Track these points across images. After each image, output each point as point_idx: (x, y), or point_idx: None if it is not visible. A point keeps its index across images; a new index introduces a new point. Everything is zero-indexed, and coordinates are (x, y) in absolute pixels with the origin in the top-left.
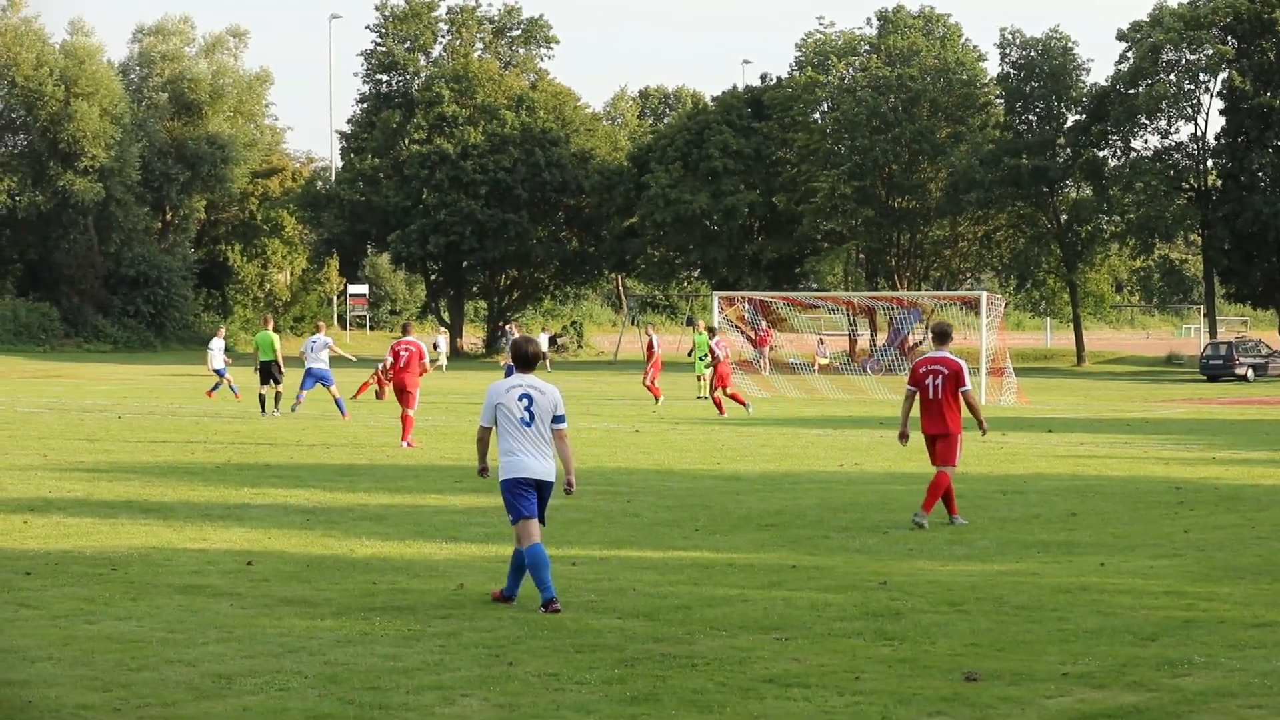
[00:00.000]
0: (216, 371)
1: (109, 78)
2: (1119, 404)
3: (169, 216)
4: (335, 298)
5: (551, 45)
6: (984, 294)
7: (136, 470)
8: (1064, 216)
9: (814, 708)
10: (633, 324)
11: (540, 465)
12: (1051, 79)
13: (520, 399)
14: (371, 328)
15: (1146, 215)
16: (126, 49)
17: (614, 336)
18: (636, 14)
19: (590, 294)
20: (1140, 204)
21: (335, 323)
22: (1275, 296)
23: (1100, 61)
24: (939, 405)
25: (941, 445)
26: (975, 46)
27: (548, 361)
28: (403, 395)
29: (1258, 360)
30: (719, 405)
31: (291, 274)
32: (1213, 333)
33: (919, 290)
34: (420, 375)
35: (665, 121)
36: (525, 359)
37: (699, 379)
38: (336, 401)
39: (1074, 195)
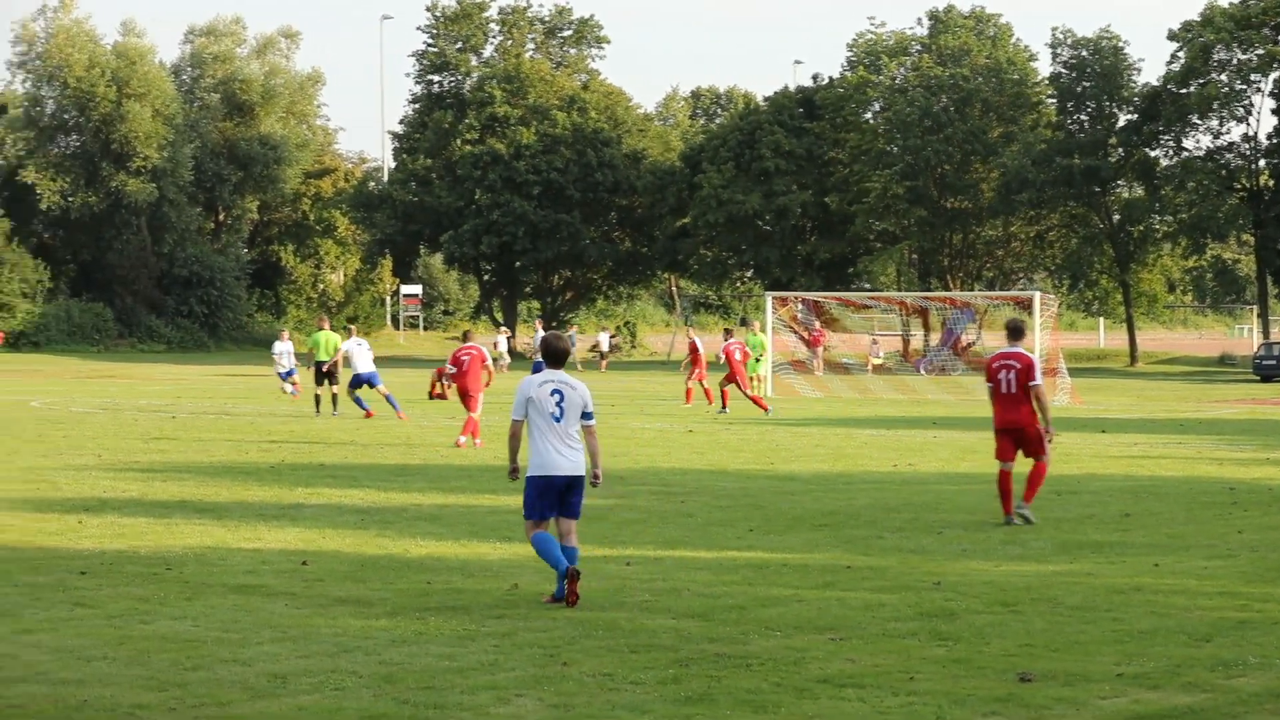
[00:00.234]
0: (283, 375)
1: (161, 78)
2: (1172, 404)
3: (222, 217)
4: (388, 298)
5: (603, 45)
6: (1037, 294)
7: (191, 470)
8: (1116, 216)
9: (868, 708)
10: (685, 324)
11: (568, 462)
12: (1103, 79)
13: (552, 394)
14: (425, 328)
15: (1198, 215)
16: (178, 50)
17: (667, 337)
18: (688, 14)
19: (643, 294)
20: (1192, 204)
21: (389, 323)
22: None
23: (1151, 61)
24: (1013, 399)
25: (1026, 440)
26: (1026, 46)
27: (604, 362)
28: (466, 399)
29: None
30: (758, 403)
31: (344, 274)
32: (1266, 333)
33: (972, 290)
34: (485, 379)
35: (717, 122)
36: (555, 355)
37: (752, 379)
38: (388, 399)
39: (1126, 195)
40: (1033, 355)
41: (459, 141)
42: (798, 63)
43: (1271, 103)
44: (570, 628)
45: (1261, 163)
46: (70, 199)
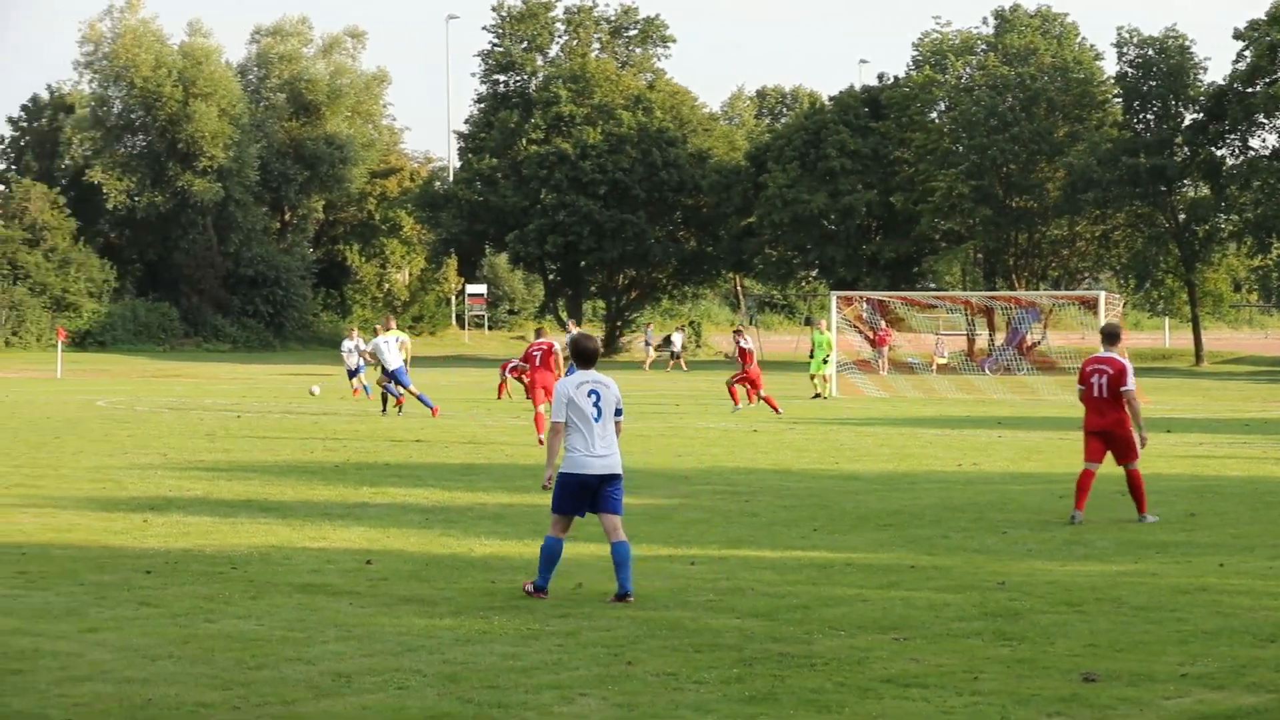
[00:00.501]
0: (351, 373)
1: (227, 78)
2: (1238, 404)
3: (287, 216)
4: (454, 297)
5: (668, 45)
6: (1102, 294)
7: (256, 469)
8: (1181, 216)
9: (932, 708)
10: (751, 324)
11: (601, 462)
12: (1169, 78)
13: (589, 395)
14: (490, 328)
15: (1264, 214)
16: (244, 50)
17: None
18: (753, 14)
19: (708, 294)
20: (1258, 203)
21: (454, 322)
22: None
23: (1217, 60)
24: (1104, 403)
25: (1116, 443)
26: (1092, 45)
27: (682, 362)
28: (537, 392)
29: None
30: (770, 402)
31: (410, 274)
32: None
33: (1037, 290)
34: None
35: (782, 121)
36: (586, 355)
37: (812, 378)
38: (421, 399)
39: (1191, 194)
40: (1126, 361)
41: (524, 141)
42: (863, 62)
43: None
44: (634, 627)
45: None
46: (136, 199)
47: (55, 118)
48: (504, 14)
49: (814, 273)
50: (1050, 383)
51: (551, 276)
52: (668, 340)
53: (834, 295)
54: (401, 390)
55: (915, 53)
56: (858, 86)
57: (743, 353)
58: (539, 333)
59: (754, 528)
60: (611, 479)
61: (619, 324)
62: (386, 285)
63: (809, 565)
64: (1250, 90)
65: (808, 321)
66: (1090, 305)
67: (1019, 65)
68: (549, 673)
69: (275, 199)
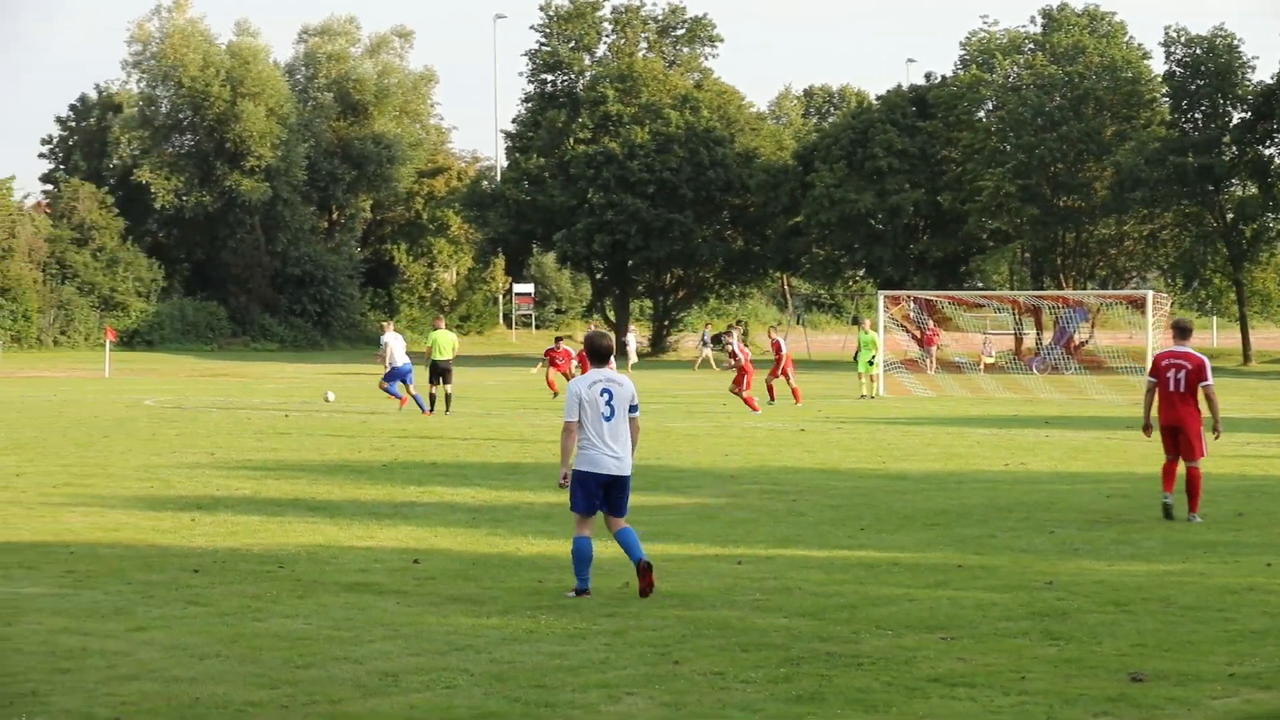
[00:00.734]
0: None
1: (275, 78)
2: None
3: (335, 216)
4: (501, 296)
5: (716, 44)
6: (1150, 293)
7: (303, 468)
8: (1230, 215)
9: (979, 707)
10: (798, 323)
11: (614, 461)
12: (1217, 77)
13: (602, 394)
14: (537, 327)
15: None
16: (292, 49)
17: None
18: (800, 13)
19: (755, 293)
20: None
21: (501, 322)
22: None
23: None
24: (1180, 398)
25: (1183, 439)
26: (1140, 44)
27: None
28: None
29: None
30: (750, 403)
31: (457, 273)
32: None
33: (1085, 289)
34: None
35: (830, 120)
36: (600, 353)
37: (860, 377)
38: (413, 394)
39: (1240, 194)
40: (1203, 356)
41: (572, 140)
42: (910, 61)
43: None
44: (681, 626)
45: None
46: (184, 198)
47: (103, 117)
48: (551, 14)
49: (861, 272)
50: (1098, 382)
51: (599, 276)
52: (716, 339)
53: (881, 295)
54: (401, 390)
55: (963, 52)
56: (905, 86)
57: (733, 355)
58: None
59: (801, 527)
60: (623, 480)
61: (666, 323)
62: (434, 285)
63: (856, 565)
64: None
65: (854, 321)
66: (1138, 305)
67: (1067, 64)
68: (596, 672)
69: (323, 198)
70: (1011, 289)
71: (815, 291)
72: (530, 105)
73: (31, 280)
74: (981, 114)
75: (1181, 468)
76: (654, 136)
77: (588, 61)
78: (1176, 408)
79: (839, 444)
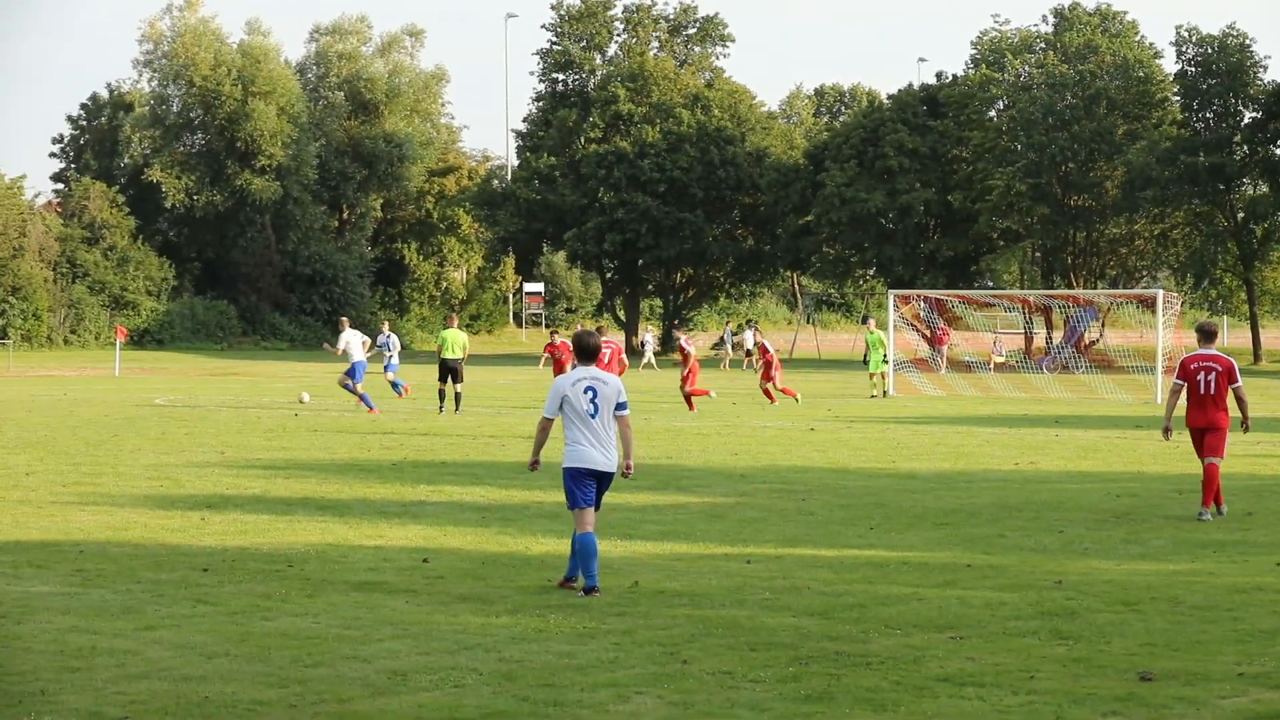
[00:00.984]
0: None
1: (286, 77)
2: None
3: (346, 215)
4: (511, 295)
5: (727, 43)
6: (1160, 292)
7: (313, 467)
8: (1240, 214)
9: (988, 707)
10: (808, 322)
11: (602, 457)
12: (1228, 76)
13: (585, 391)
14: (547, 326)
15: None
16: (303, 48)
17: (789, 335)
18: (812, 13)
19: (765, 292)
20: None
21: (512, 320)
22: None
23: (1278, 58)
24: (1211, 400)
25: (1211, 438)
26: (1151, 44)
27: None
28: None
29: None
30: (690, 399)
31: (468, 272)
32: None
33: (1095, 288)
34: (620, 373)
35: (840, 120)
36: (587, 351)
37: (871, 377)
38: (360, 393)
39: (1251, 193)
40: (1231, 358)
41: (583, 140)
42: (921, 60)
43: None
44: (690, 625)
45: None
46: (195, 197)
47: (114, 116)
48: (563, 13)
49: (871, 271)
50: (1108, 381)
51: (609, 275)
52: (721, 341)
53: (891, 294)
54: (353, 386)
55: (974, 51)
56: (916, 85)
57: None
58: (599, 330)
59: (810, 526)
60: (606, 476)
61: (676, 322)
62: (444, 283)
63: (865, 564)
64: None
65: (864, 320)
66: (1148, 304)
67: (1078, 64)
68: (605, 671)
69: (334, 197)
70: (1022, 288)
71: (825, 291)
72: (541, 104)
73: (42, 279)
74: (992, 113)
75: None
76: (665, 136)
77: (599, 60)
78: (1209, 410)
79: (848, 443)
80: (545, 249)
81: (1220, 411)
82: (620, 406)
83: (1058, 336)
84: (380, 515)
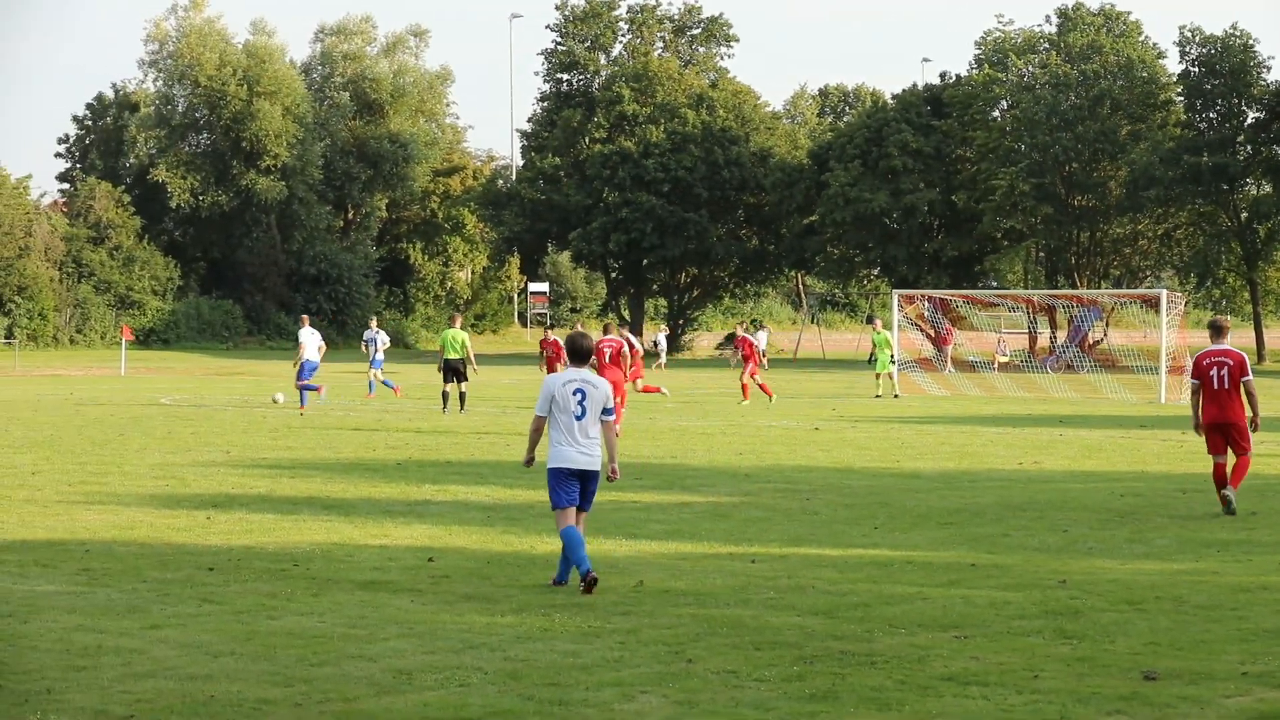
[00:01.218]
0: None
1: (291, 77)
2: None
3: (351, 215)
4: (516, 295)
5: (731, 44)
6: (1164, 292)
7: (318, 467)
8: (1244, 214)
9: (992, 706)
10: (813, 322)
11: (584, 457)
12: (1232, 77)
13: (574, 393)
14: (551, 325)
15: None
16: (308, 49)
17: (794, 334)
18: (816, 13)
19: (770, 292)
20: None
21: (516, 320)
22: None
23: None
24: (1225, 395)
25: (1235, 433)
26: (1155, 44)
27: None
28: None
29: None
30: (647, 390)
31: (472, 272)
32: None
33: (1099, 288)
34: (631, 370)
35: (845, 120)
36: (579, 353)
37: (877, 378)
38: (305, 390)
39: (1254, 193)
40: (1242, 353)
41: (587, 140)
42: (925, 61)
43: None
44: (695, 625)
45: None
46: (200, 197)
47: (120, 116)
48: (567, 13)
49: (875, 271)
50: (1112, 381)
51: (614, 275)
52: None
53: (896, 294)
54: (301, 382)
55: (977, 51)
56: (920, 85)
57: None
58: (606, 329)
59: (815, 526)
60: (591, 476)
61: (681, 322)
62: (449, 283)
63: (870, 563)
64: None
65: (868, 320)
66: (1152, 303)
67: (1082, 64)
68: (610, 670)
69: (339, 197)
70: (1026, 288)
71: (830, 290)
72: (546, 104)
73: (48, 279)
74: (996, 113)
75: (1232, 457)
76: (669, 135)
77: (603, 61)
78: (1224, 405)
79: (853, 443)
80: (550, 249)
81: (1236, 405)
82: (606, 412)
83: (1062, 336)
84: (385, 514)
